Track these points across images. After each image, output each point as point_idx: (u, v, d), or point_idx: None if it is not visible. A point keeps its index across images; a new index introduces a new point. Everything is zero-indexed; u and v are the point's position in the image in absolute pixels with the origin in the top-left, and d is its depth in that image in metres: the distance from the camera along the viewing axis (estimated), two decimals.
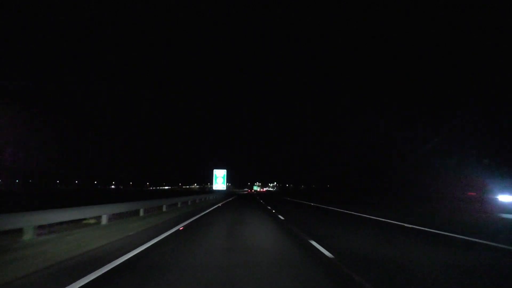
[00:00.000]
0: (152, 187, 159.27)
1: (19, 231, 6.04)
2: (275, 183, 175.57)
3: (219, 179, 38.21)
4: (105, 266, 4.26)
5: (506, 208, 14.59)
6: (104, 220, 8.74)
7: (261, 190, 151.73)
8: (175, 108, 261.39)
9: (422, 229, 8.55)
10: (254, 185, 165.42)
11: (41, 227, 6.70)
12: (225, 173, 38.87)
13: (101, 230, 7.66)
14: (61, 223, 7.48)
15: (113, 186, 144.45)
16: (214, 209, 15.89)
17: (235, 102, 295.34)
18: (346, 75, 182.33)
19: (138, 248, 5.53)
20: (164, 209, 14.66)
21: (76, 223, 8.49)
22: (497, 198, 17.19)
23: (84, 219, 8.63)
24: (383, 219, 11.36)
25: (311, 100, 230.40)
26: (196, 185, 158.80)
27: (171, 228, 8.33)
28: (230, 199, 31.45)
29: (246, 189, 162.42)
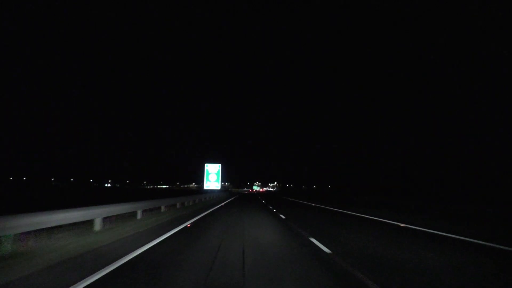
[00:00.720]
0: (150, 186, 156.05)
1: None
2: (275, 183, 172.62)
3: (212, 176, 31.02)
4: None
5: None
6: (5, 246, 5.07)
7: (261, 190, 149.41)
8: (174, 106, 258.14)
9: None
10: (254, 184, 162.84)
11: None
12: (220, 169, 31.85)
13: None
14: None
15: (109, 184, 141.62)
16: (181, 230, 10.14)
17: (236, 102, 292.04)
18: (347, 75, 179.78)
19: None
20: (136, 217, 11.07)
21: None
22: None
23: None
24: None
25: (312, 100, 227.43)
26: (195, 184, 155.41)
27: None
28: (222, 204, 21.84)
29: (246, 188, 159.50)
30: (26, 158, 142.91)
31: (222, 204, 22.45)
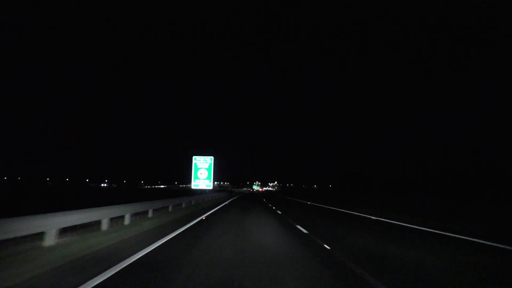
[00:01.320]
0: (147, 186, 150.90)
1: None
2: (275, 182, 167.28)
3: (202, 173, 23.31)
4: None
5: None
6: None
7: (260, 190, 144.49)
8: (174, 105, 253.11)
9: None
10: (253, 184, 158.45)
11: None
12: (212, 162, 23.84)
13: None
14: None
15: (105, 184, 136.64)
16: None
17: (237, 103, 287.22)
18: (348, 75, 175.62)
19: None
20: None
21: None
22: None
23: None
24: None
25: (313, 100, 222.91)
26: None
27: None
28: (202, 217, 11.57)
29: (245, 188, 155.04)
30: (21, 158, 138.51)
31: (202, 217, 11.63)
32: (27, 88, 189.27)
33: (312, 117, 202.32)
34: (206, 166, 23.75)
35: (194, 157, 23.11)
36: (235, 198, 34.74)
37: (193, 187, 23.11)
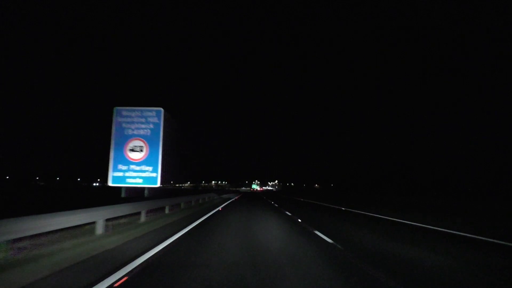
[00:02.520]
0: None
1: None
2: (276, 181, 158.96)
3: (136, 147, 10.04)
4: None
5: None
6: None
7: (259, 189, 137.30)
8: (171, 104, 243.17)
9: None
10: (253, 183, 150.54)
11: None
12: (161, 123, 10.27)
13: None
14: None
15: (97, 184, 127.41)
16: None
17: (237, 101, 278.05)
18: (350, 73, 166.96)
19: None
20: None
21: None
22: None
23: None
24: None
25: (314, 99, 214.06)
26: (190, 183, 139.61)
27: None
28: None
29: (244, 187, 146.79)
30: (9, 156, 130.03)
31: None
32: (14, 85, 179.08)
33: (312, 117, 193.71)
34: (147, 131, 9.97)
35: (115, 109, 9.95)
36: (220, 209, 19.16)
37: (111, 183, 10.84)
